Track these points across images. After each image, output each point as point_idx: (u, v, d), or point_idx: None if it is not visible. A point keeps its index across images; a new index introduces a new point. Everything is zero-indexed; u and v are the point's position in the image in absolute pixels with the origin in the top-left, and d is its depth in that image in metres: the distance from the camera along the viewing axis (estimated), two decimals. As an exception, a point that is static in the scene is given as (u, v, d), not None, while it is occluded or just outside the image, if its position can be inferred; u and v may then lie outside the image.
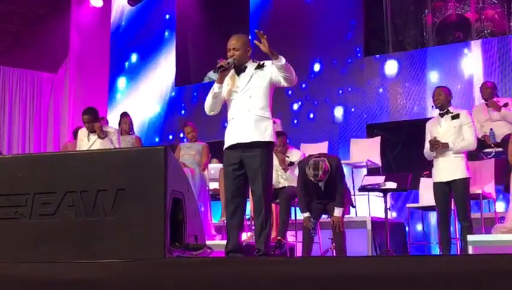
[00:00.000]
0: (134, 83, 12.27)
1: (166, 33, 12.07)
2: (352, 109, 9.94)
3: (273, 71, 4.74)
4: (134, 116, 8.83)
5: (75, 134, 8.96)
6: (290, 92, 10.22)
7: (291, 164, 6.84)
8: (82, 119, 7.15)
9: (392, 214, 7.23)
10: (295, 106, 10.38)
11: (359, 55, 10.11)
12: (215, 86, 4.81)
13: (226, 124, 4.89)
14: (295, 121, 10.31)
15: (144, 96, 12.04)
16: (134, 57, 12.37)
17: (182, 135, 10.32)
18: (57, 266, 3.01)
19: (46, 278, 2.83)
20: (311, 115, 10.24)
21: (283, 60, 4.62)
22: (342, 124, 9.98)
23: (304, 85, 10.20)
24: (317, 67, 10.33)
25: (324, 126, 10.07)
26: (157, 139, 11.62)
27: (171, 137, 11.49)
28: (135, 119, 9.21)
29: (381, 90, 9.76)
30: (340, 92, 10.09)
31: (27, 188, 3.36)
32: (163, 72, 12.00)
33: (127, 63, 12.42)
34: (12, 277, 2.88)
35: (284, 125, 8.67)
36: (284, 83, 4.75)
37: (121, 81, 12.44)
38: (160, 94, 11.90)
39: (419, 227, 7.39)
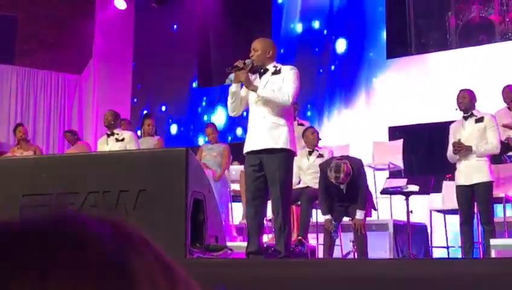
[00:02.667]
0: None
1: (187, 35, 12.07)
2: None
3: (286, 79, 4.74)
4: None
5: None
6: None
7: (321, 156, 6.86)
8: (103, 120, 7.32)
9: (414, 217, 7.16)
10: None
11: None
12: (232, 85, 4.83)
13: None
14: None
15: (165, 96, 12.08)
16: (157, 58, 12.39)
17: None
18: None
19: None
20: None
21: (262, 93, 4.63)
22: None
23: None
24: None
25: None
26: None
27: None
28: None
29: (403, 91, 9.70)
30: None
31: (50, 188, 3.40)
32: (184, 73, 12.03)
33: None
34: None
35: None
36: None
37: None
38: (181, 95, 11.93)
39: (441, 230, 7.32)
